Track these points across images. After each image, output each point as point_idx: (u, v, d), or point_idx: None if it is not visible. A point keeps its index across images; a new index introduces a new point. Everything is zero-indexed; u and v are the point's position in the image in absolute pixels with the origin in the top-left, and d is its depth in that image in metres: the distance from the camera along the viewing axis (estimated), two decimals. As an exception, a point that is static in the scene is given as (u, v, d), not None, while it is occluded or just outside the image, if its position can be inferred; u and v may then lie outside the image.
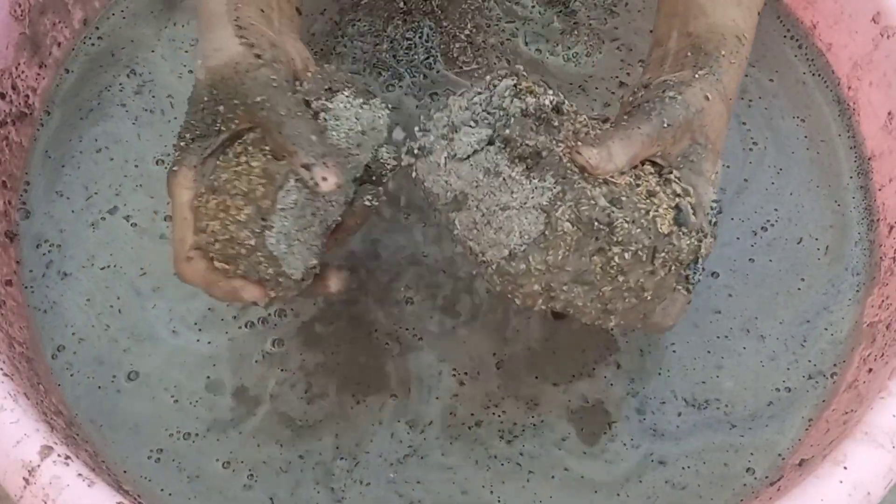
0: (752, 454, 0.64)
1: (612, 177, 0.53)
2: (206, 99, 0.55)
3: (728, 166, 0.72)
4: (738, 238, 0.70)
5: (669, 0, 0.65)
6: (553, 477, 0.62)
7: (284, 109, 0.54)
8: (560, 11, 0.78)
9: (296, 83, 0.57)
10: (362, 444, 0.62)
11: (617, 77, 0.75)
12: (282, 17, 0.61)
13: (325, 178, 0.52)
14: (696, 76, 0.59)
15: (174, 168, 0.55)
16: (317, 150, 0.53)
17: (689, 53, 0.61)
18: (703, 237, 0.56)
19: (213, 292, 0.56)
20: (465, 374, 0.65)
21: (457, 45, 0.76)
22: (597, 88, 0.75)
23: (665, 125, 0.56)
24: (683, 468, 0.63)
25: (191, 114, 0.56)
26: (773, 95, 0.76)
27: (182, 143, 0.56)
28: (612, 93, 0.74)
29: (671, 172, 0.57)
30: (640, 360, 0.66)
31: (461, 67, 0.75)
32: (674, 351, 0.66)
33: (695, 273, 0.56)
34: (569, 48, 0.77)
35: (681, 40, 0.63)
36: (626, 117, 0.57)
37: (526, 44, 0.77)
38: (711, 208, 0.58)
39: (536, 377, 0.65)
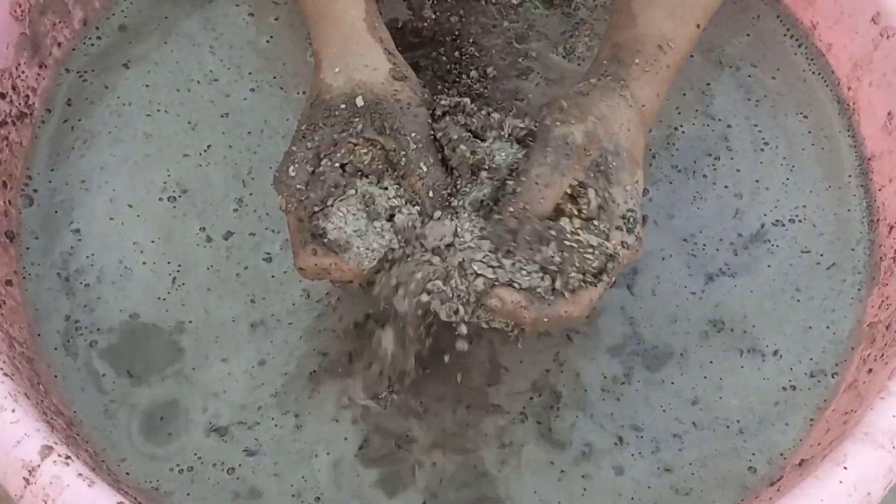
0: (753, 454, 0.64)
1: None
2: (342, 107, 0.57)
3: (739, 170, 0.73)
4: (740, 235, 0.70)
5: (614, 12, 0.65)
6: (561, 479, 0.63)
7: (422, 145, 0.56)
8: (562, 12, 0.78)
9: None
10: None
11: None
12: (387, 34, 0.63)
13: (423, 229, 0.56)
14: (596, 85, 0.58)
15: (291, 166, 0.56)
16: (430, 203, 0.56)
17: (604, 62, 0.61)
18: (619, 247, 0.56)
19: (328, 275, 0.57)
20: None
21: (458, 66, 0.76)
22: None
23: (546, 158, 0.54)
24: (691, 474, 0.63)
25: (317, 117, 0.57)
26: (777, 94, 0.76)
27: (304, 144, 0.56)
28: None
29: (582, 188, 0.56)
30: (645, 365, 0.66)
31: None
32: (681, 353, 0.67)
33: (608, 275, 0.56)
34: (570, 47, 0.77)
35: (605, 50, 0.63)
36: (524, 156, 0.56)
37: (528, 44, 0.77)
38: (626, 218, 0.56)
39: (539, 395, 0.65)
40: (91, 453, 0.61)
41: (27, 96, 0.71)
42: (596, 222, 0.56)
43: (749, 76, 0.76)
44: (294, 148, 0.57)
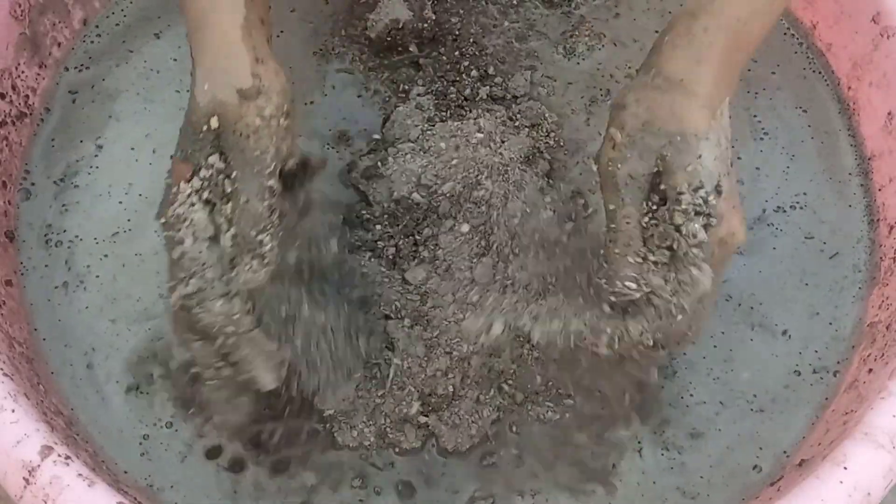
0: (760, 448, 0.64)
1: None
2: (205, 129, 0.55)
3: (740, 157, 0.73)
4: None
5: None
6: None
7: (247, 196, 0.55)
8: (562, 11, 0.78)
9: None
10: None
11: (619, 72, 0.75)
12: (266, 33, 0.61)
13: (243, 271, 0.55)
14: (630, 90, 0.57)
15: (173, 206, 0.55)
16: (240, 249, 0.55)
17: (647, 57, 0.59)
18: (705, 225, 0.55)
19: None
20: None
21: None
22: (594, 86, 0.75)
23: (624, 201, 0.55)
24: (696, 471, 0.63)
25: (186, 142, 0.56)
26: (777, 88, 0.76)
27: (176, 163, 0.56)
28: (617, 82, 0.75)
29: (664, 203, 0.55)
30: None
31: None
32: (683, 353, 0.67)
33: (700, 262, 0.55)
34: (571, 47, 0.77)
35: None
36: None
37: (528, 43, 0.77)
38: (696, 200, 0.55)
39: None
40: (91, 453, 0.61)
41: (27, 96, 0.71)
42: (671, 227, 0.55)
43: (750, 70, 0.76)
44: (171, 179, 0.56)
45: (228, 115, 0.55)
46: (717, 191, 0.55)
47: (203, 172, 0.55)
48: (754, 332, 0.67)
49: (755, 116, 0.75)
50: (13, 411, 0.55)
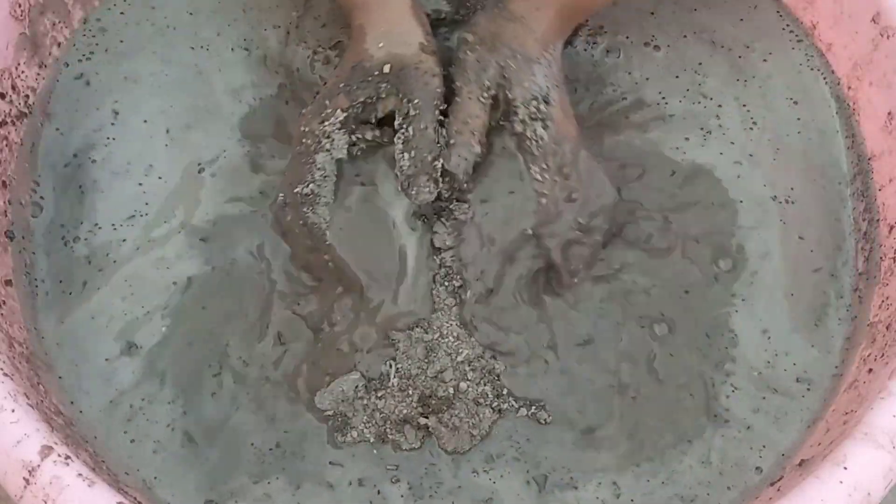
0: (761, 448, 0.64)
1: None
2: (376, 74, 0.65)
3: (733, 143, 0.73)
4: (741, 201, 0.71)
5: None
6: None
7: (426, 123, 0.64)
8: None
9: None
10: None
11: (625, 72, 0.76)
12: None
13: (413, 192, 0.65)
14: (478, 15, 0.69)
15: (327, 102, 0.65)
16: (418, 169, 0.64)
17: None
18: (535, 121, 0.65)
19: None
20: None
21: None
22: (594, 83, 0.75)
23: (472, 96, 0.66)
24: (694, 470, 0.63)
25: (354, 79, 0.65)
26: (773, 81, 0.76)
27: (337, 91, 0.65)
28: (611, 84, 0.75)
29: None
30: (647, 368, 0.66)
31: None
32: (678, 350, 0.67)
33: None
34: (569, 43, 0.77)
35: None
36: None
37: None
38: (534, 101, 0.65)
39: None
40: (91, 453, 0.61)
41: (27, 96, 0.71)
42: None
43: (745, 81, 0.76)
44: (327, 102, 0.65)
45: (406, 60, 0.65)
46: (546, 101, 0.65)
47: (356, 99, 0.65)
48: (754, 331, 0.67)
49: (745, 105, 0.75)
50: (13, 411, 0.55)
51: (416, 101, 0.64)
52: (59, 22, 0.73)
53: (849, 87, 0.75)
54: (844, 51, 0.75)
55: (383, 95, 0.65)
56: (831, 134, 0.75)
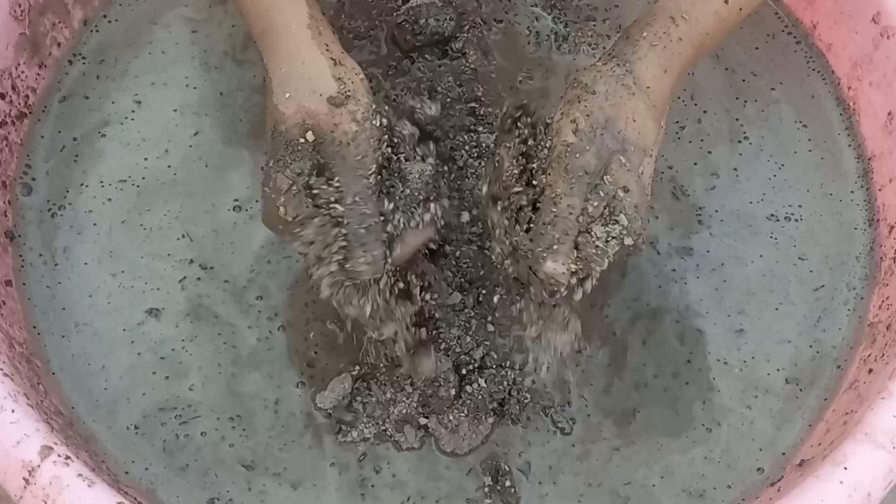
0: (760, 449, 0.64)
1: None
2: (301, 141, 0.56)
3: (710, 152, 0.73)
4: (734, 232, 0.70)
5: None
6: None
7: (352, 195, 0.56)
8: (560, 10, 0.79)
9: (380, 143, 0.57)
10: None
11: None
12: (331, 27, 0.61)
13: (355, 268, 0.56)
14: (600, 74, 0.58)
15: (280, 207, 0.55)
16: (354, 243, 0.56)
17: (618, 40, 0.61)
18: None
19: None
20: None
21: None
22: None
23: (573, 189, 0.55)
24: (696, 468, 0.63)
25: (280, 152, 0.56)
26: (774, 91, 0.76)
27: (274, 170, 0.55)
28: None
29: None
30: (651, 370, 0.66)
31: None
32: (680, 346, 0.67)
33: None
34: (573, 43, 0.77)
35: (624, 30, 0.62)
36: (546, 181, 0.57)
37: (528, 42, 0.77)
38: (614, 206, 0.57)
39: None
40: (91, 453, 0.61)
41: (27, 96, 0.71)
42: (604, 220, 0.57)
43: (744, 80, 0.76)
44: (267, 189, 0.56)
45: (321, 125, 0.56)
46: (637, 202, 0.56)
47: (300, 180, 0.55)
48: (753, 331, 0.67)
49: (737, 120, 0.75)
50: (13, 411, 0.55)
51: (334, 178, 0.56)
52: (59, 22, 0.73)
53: (849, 88, 0.75)
54: (844, 51, 0.75)
55: (316, 169, 0.56)
56: (834, 138, 0.74)
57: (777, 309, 0.68)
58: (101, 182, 0.70)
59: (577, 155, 0.56)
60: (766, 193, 0.72)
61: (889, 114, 0.71)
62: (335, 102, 0.56)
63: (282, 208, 0.55)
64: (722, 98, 0.75)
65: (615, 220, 0.56)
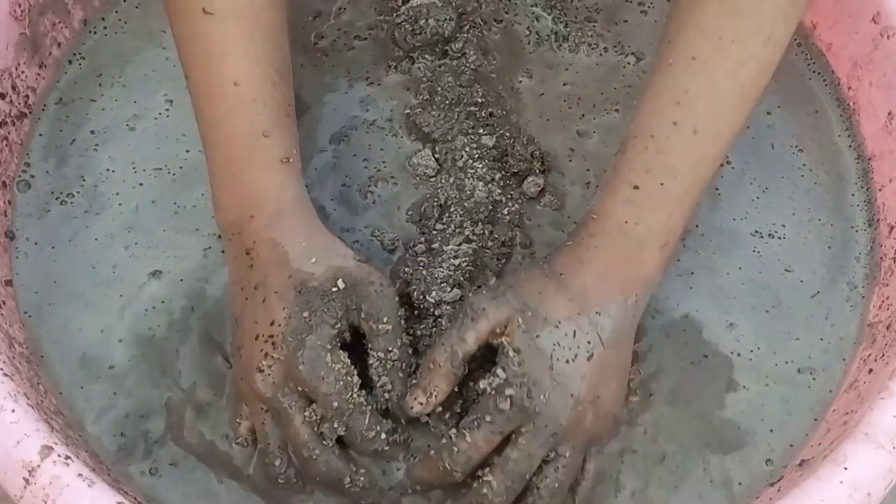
0: (763, 449, 0.64)
1: None
2: (334, 290, 0.59)
3: (731, 164, 0.72)
4: (734, 235, 0.70)
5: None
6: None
7: (400, 340, 0.60)
8: (560, 10, 0.79)
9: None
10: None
11: (621, 73, 0.76)
12: None
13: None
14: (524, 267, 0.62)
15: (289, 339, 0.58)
16: (399, 380, 0.59)
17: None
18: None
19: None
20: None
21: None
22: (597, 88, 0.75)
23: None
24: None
25: (315, 304, 0.58)
26: (773, 131, 0.76)
27: (315, 333, 0.58)
28: (614, 88, 0.75)
29: None
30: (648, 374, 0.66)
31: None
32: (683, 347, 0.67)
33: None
34: (573, 43, 0.77)
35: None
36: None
37: (528, 42, 0.77)
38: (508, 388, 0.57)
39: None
40: (91, 453, 0.61)
41: (27, 96, 0.71)
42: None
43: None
44: (312, 337, 0.58)
45: (354, 274, 0.60)
46: (529, 393, 0.56)
47: (339, 326, 0.59)
48: (754, 332, 0.67)
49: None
50: (13, 411, 0.55)
51: (384, 319, 0.59)
52: (59, 22, 0.74)
53: (849, 88, 0.75)
54: (844, 51, 0.75)
55: (351, 317, 0.59)
56: (834, 139, 0.74)
57: (773, 308, 0.68)
58: (99, 183, 0.70)
59: (477, 293, 0.60)
60: (749, 212, 0.71)
61: (889, 114, 0.71)
62: (361, 260, 0.61)
63: (327, 356, 0.57)
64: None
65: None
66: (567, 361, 0.57)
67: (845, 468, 0.55)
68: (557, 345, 0.57)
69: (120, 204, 0.69)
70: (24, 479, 0.53)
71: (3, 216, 0.67)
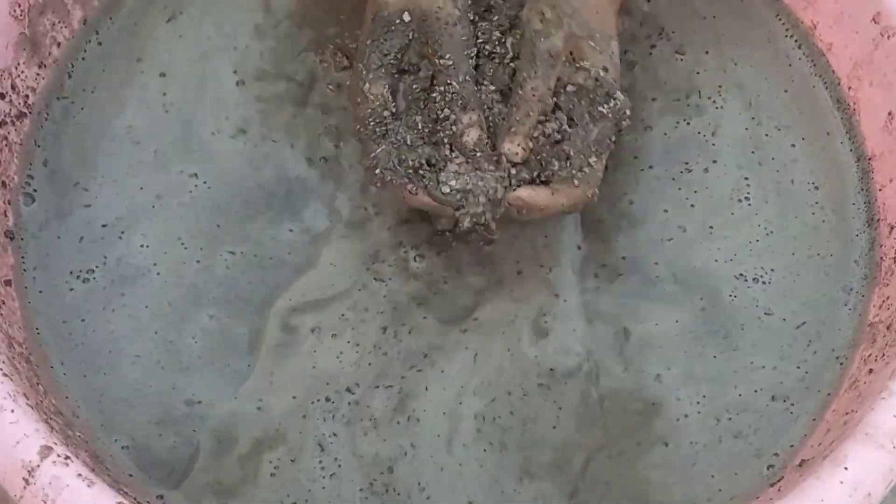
0: (763, 448, 0.64)
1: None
2: (397, 22, 0.63)
3: (742, 173, 0.72)
4: (735, 233, 0.70)
5: None
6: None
7: (462, 76, 0.62)
8: None
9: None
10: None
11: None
12: None
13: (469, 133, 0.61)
14: None
15: (361, 65, 0.63)
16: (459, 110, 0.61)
17: None
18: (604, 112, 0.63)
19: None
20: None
21: None
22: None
23: (537, 72, 0.61)
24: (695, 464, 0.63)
25: (378, 32, 0.63)
26: (771, 92, 0.76)
27: (372, 58, 0.63)
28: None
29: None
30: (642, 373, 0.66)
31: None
32: (684, 352, 0.66)
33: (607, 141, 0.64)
34: None
35: None
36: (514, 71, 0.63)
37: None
38: (599, 88, 0.63)
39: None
40: (91, 453, 0.61)
41: (27, 96, 0.71)
42: (582, 102, 0.63)
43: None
44: (361, 65, 0.63)
45: (424, 6, 0.63)
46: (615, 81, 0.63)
47: (388, 58, 0.63)
48: (755, 332, 0.67)
49: (746, 178, 0.73)
50: (13, 411, 0.55)
51: (445, 55, 0.62)
52: (59, 22, 0.73)
53: (849, 88, 0.75)
54: (844, 51, 0.75)
55: (412, 44, 0.63)
56: (834, 138, 0.74)
57: (773, 309, 0.68)
58: (98, 185, 0.70)
59: (543, 38, 0.62)
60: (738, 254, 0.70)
61: (889, 114, 0.71)
62: None
63: (367, 84, 0.62)
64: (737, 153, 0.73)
65: (608, 97, 0.63)
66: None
67: (845, 468, 0.55)
68: (619, 59, 0.65)
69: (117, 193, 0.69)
70: (23, 479, 0.53)
71: (3, 216, 0.67)
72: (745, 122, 0.74)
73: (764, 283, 0.69)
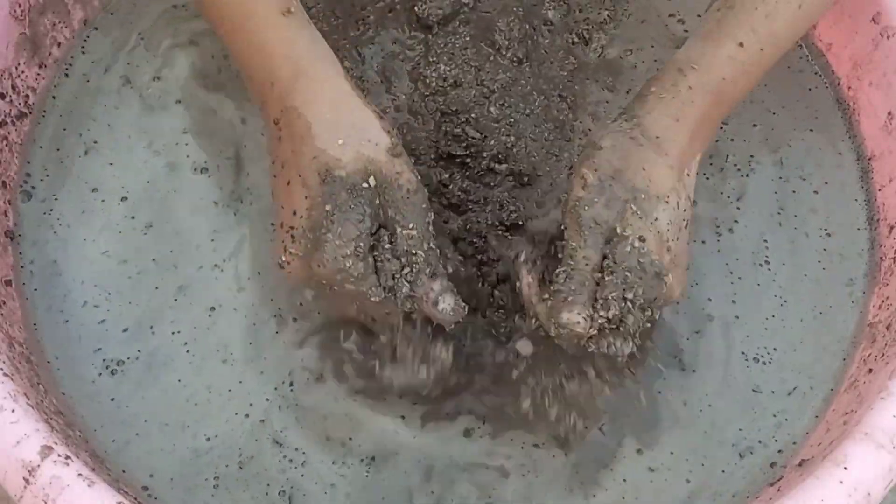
0: (763, 448, 0.64)
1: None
2: (364, 186, 0.56)
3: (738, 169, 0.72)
4: (739, 238, 0.70)
5: None
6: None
7: (427, 241, 0.57)
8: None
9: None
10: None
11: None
12: None
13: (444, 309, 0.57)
14: (607, 132, 0.59)
15: (344, 259, 0.55)
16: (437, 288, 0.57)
17: (629, 102, 0.62)
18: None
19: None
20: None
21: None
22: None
23: (586, 242, 0.56)
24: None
25: (342, 197, 0.55)
26: (815, 217, 0.73)
27: (345, 229, 0.55)
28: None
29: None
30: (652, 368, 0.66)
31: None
32: (681, 350, 0.67)
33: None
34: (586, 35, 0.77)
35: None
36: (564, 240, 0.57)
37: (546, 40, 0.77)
38: (643, 261, 0.56)
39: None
40: (91, 453, 0.61)
41: (27, 96, 0.71)
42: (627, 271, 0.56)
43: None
44: (330, 235, 0.55)
45: (384, 172, 0.57)
46: (654, 250, 0.56)
47: (363, 226, 0.56)
48: (755, 333, 0.67)
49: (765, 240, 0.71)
50: (13, 411, 0.55)
51: (409, 224, 0.57)
52: (59, 22, 0.73)
53: (849, 88, 0.75)
54: (844, 51, 0.75)
55: (378, 214, 0.57)
56: (834, 138, 0.74)
57: (778, 309, 0.68)
58: (97, 186, 0.70)
59: (587, 207, 0.57)
60: (771, 198, 0.71)
61: (889, 114, 0.71)
62: (394, 153, 0.57)
63: (348, 261, 0.55)
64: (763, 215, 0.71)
65: (657, 277, 0.56)
66: (676, 239, 0.58)
67: (845, 468, 0.55)
68: (670, 223, 0.57)
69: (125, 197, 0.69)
70: (24, 479, 0.53)
71: (3, 216, 0.67)
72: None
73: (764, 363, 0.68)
